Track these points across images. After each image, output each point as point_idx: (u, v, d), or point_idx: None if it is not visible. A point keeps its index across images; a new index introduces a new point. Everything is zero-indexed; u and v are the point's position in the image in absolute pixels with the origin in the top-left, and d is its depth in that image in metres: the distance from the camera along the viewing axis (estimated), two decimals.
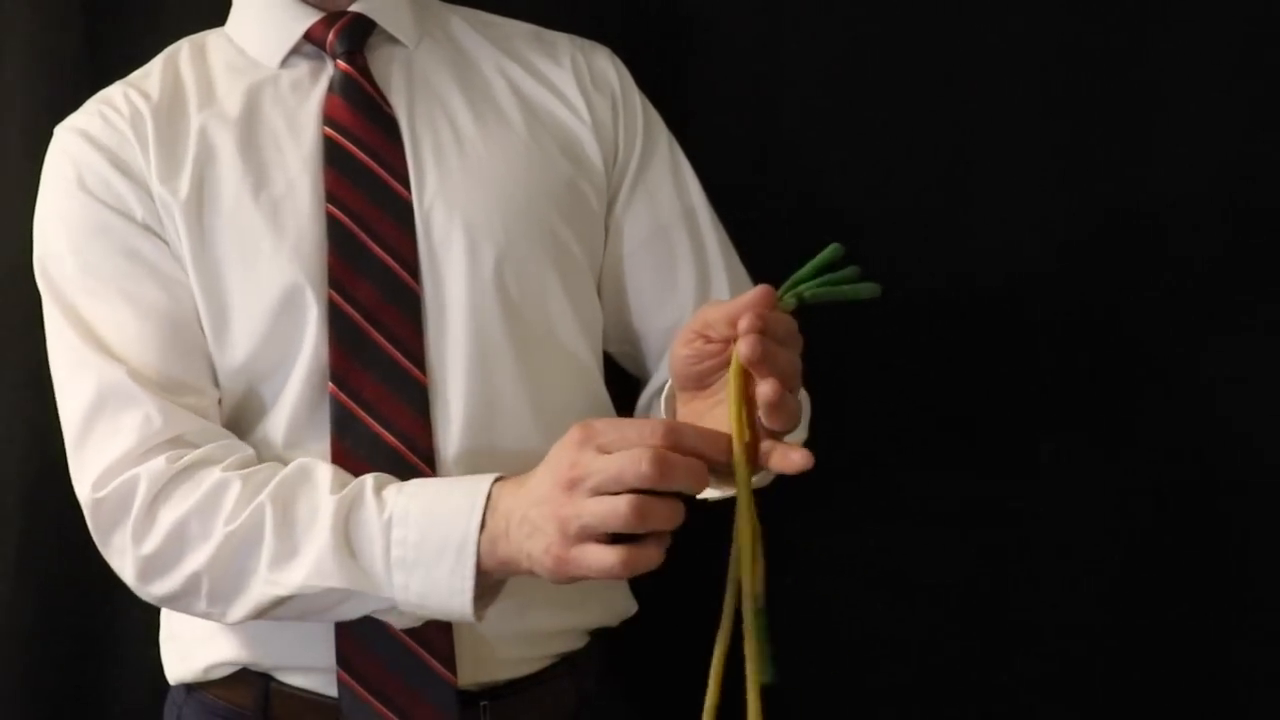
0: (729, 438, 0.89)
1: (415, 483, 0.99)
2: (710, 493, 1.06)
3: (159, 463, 1.01)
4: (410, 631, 1.05)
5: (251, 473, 1.01)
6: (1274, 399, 1.34)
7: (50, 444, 1.09)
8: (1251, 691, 1.36)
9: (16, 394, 1.38)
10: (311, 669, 1.08)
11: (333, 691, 1.07)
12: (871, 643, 1.40)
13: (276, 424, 1.08)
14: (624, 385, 1.24)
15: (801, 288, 0.92)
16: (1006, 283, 1.37)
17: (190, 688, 1.14)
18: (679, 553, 1.31)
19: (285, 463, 1.05)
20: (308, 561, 0.97)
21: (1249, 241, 1.33)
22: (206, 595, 1.01)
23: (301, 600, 0.98)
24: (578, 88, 1.20)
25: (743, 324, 0.87)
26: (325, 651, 1.06)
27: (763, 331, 0.87)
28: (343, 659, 1.06)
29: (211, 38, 1.20)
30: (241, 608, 1.00)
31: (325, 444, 1.06)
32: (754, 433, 0.90)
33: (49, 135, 1.15)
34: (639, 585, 1.22)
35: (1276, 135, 1.33)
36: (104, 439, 1.03)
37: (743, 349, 0.87)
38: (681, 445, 0.87)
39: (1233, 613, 1.35)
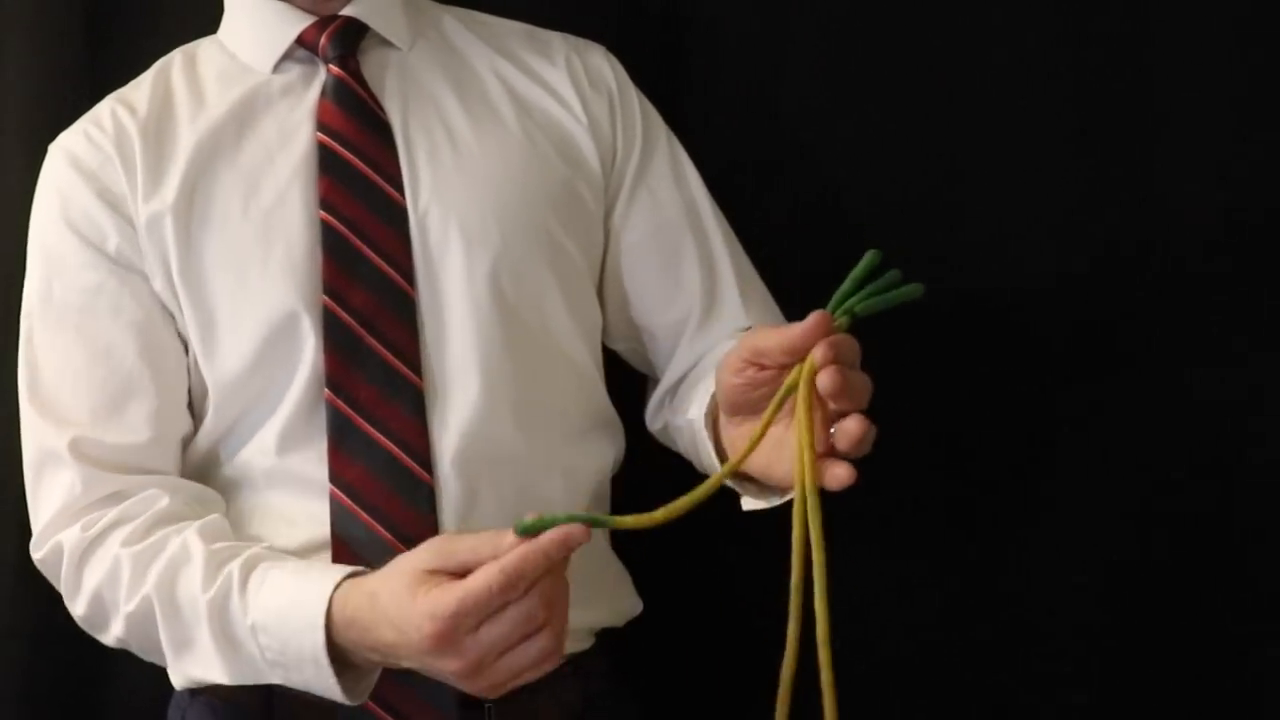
0: (563, 539, 0.91)
1: (272, 579, 1.00)
2: (754, 503, 1.07)
3: (75, 531, 1.06)
4: None
5: (140, 551, 1.04)
6: (1274, 399, 1.34)
7: None
8: (1251, 690, 1.36)
9: (17, 394, 1.39)
10: None
11: None
12: (871, 641, 1.41)
13: (272, 431, 1.09)
14: (626, 385, 1.25)
15: (850, 303, 0.93)
16: (1007, 282, 1.37)
17: (194, 691, 1.13)
18: (684, 554, 1.32)
19: (282, 471, 1.08)
20: (201, 657, 1.02)
21: (1249, 242, 1.33)
22: (142, 654, 1.08)
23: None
24: (573, 87, 1.20)
25: (818, 354, 0.89)
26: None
27: (836, 359, 0.89)
28: None
29: (204, 45, 1.20)
30: (177, 681, 1.06)
31: (322, 449, 1.07)
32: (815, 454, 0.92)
33: (49, 139, 1.17)
34: (644, 585, 1.23)
35: (1276, 136, 1.33)
36: (39, 501, 1.10)
37: (825, 384, 0.88)
38: (533, 572, 0.90)
39: (1233, 612, 1.35)
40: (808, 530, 0.91)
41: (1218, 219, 1.33)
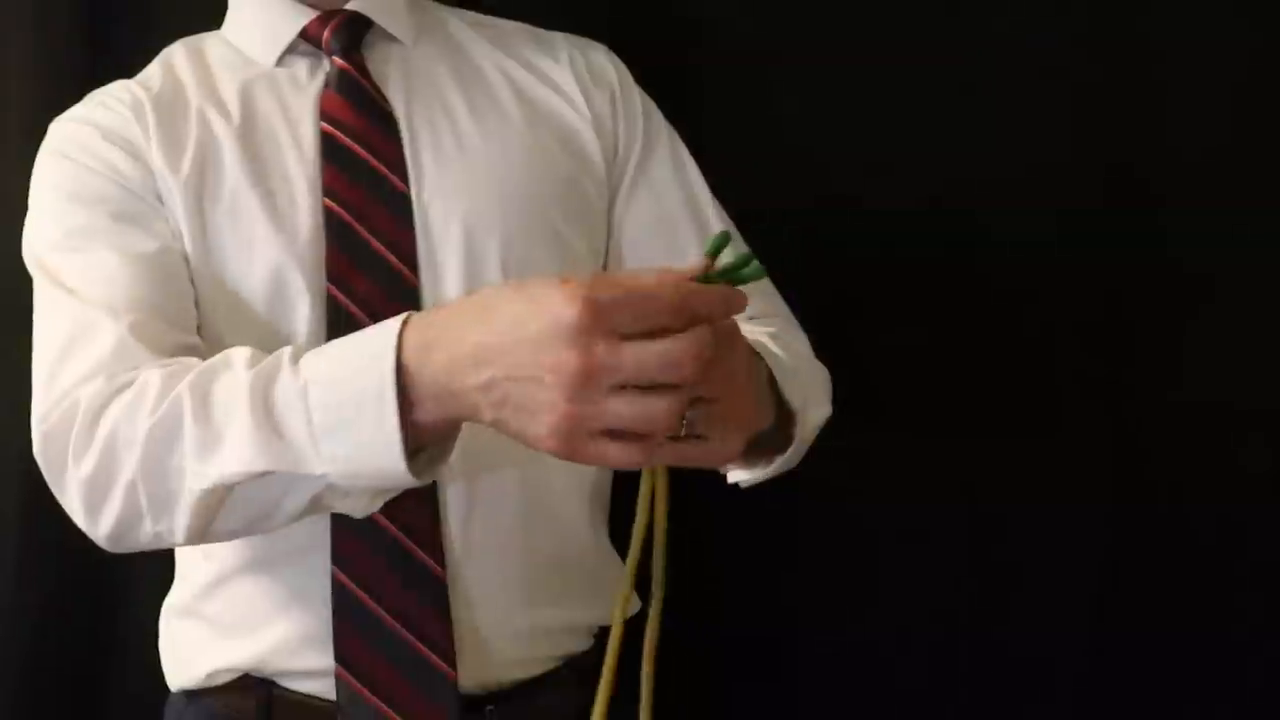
0: (737, 294, 0.82)
1: (334, 342, 0.90)
2: (740, 475, 1.07)
3: (98, 383, 0.97)
4: (409, 627, 1.05)
5: (174, 369, 0.95)
6: (1273, 396, 1.36)
7: None
8: (1247, 690, 1.37)
9: (17, 394, 1.38)
10: (313, 674, 1.08)
11: (334, 695, 1.07)
12: (872, 640, 1.42)
13: None
14: None
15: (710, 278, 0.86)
16: (1008, 279, 1.39)
17: (191, 694, 1.14)
18: (684, 555, 1.32)
19: None
20: (231, 446, 0.89)
21: (1248, 235, 1.35)
22: (148, 510, 0.94)
23: (237, 495, 0.91)
24: (576, 84, 1.21)
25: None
26: (326, 656, 1.07)
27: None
28: (340, 657, 1.06)
29: (208, 39, 1.21)
30: (183, 515, 0.92)
31: None
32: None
33: None
34: (642, 586, 1.23)
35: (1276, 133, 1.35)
36: (62, 375, 1.00)
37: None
38: (700, 310, 0.79)
39: (1233, 613, 1.37)
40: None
41: (1219, 209, 1.35)
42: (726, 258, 0.87)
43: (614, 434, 0.79)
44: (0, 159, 1.42)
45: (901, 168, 1.37)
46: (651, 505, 0.94)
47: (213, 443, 0.89)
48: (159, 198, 1.09)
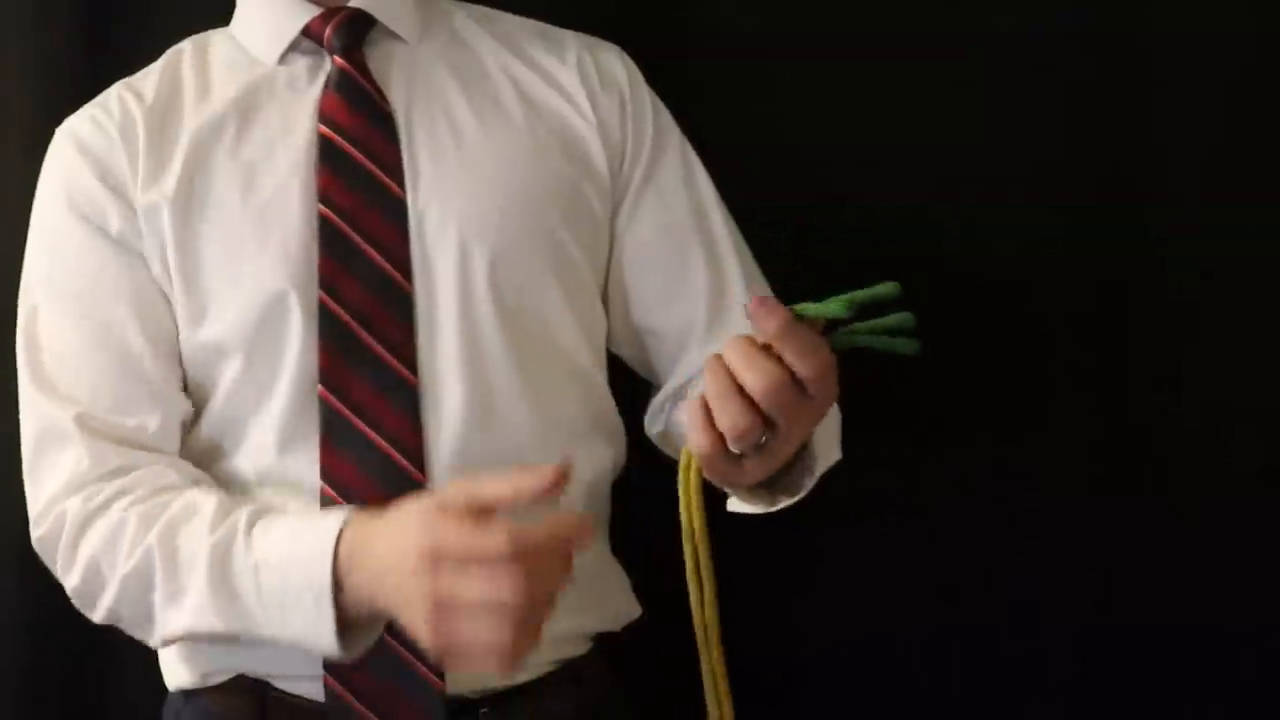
0: (575, 522, 0.91)
1: (281, 523, 1.01)
2: (740, 506, 1.08)
3: (78, 501, 1.06)
4: (398, 637, 1.05)
5: (146, 510, 1.04)
6: (1268, 392, 1.37)
7: None
8: (1242, 685, 1.38)
9: (16, 394, 1.40)
10: (308, 676, 1.08)
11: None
12: (871, 641, 1.43)
13: (267, 427, 1.09)
14: (628, 387, 1.26)
15: (858, 330, 0.92)
16: (1002, 276, 1.39)
17: (188, 694, 1.15)
18: (683, 558, 1.34)
19: (277, 469, 1.09)
20: (192, 605, 1.00)
21: (1242, 232, 1.36)
22: (129, 625, 1.07)
23: (201, 638, 1.04)
24: (583, 87, 1.20)
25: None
26: (318, 660, 1.07)
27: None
28: (329, 664, 1.07)
29: (215, 36, 1.21)
30: (159, 639, 1.05)
31: (316, 446, 1.08)
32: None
33: (49, 136, 1.18)
34: (642, 589, 1.24)
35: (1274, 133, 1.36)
36: (42, 479, 1.09)
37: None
38: (533, 548, 0.88)
39: (1229, 608, 1.38)
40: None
41: (1215, 211, 1.36)
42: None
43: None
44: (0, 160, 1.43)
45: (897, 165, 1.38)
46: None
47: (178, 596, 1.01)
48: (139, 234, 1.11)
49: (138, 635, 1.07)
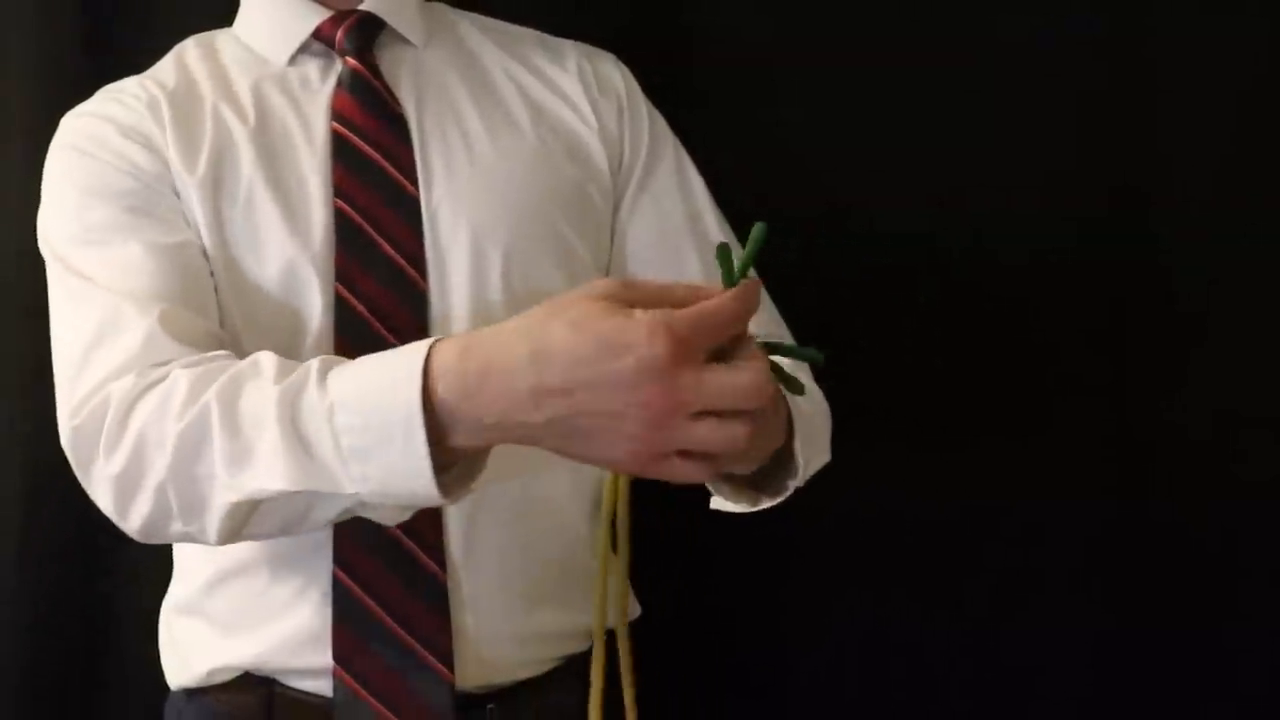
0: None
1: (359, 361, 0.92)
2: (728, 505, 1.09)
3: (128, 380, 0.98)
4: (406, 627, 1.07)
5: (202, 371, 0.96)
6: (1273, 399, 1.38)
7: (51, 444, 1.08)
8: (1254, 695, 1.39)
9: (17, 393, 1.41)
10: (314, 672, 1.09)
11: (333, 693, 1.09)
12: (880, 647, 1.44)
13: None
14: None
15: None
16: (1012, 284, 1.41)
17: (191, 692, 1.15)
18: (683, 557, 1.34)
19: None
20: (262, 463, 0.90)
21: (1252, 241, 1.37)
22: (178, 511, 0.96)
23: (268, 507, 0.93)
24: (584, 93, 1.22)
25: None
26: (327, 654, 1.08)
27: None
28: (340, 657, 1.08)
29: (219, 36, 1.22)
30: (214, 520, 0.94)
31: None
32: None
33: (49, 136, 1.17)
34: (642, 589, 1.24)
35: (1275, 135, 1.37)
36: (91, 368, 1.01)
37: None
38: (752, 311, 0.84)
39: (1236, 613, 1.39)
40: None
41: (1217, 214, 1.38)
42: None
43: (685, 453, 0.83)
44: (1, 159, 1.43)
45: (904, 173, 1.39)
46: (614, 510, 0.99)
47: (243, 457, 0.91)
48: (175, 192, 1.10)
49: (189, 528, 0.96)
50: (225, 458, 0.92)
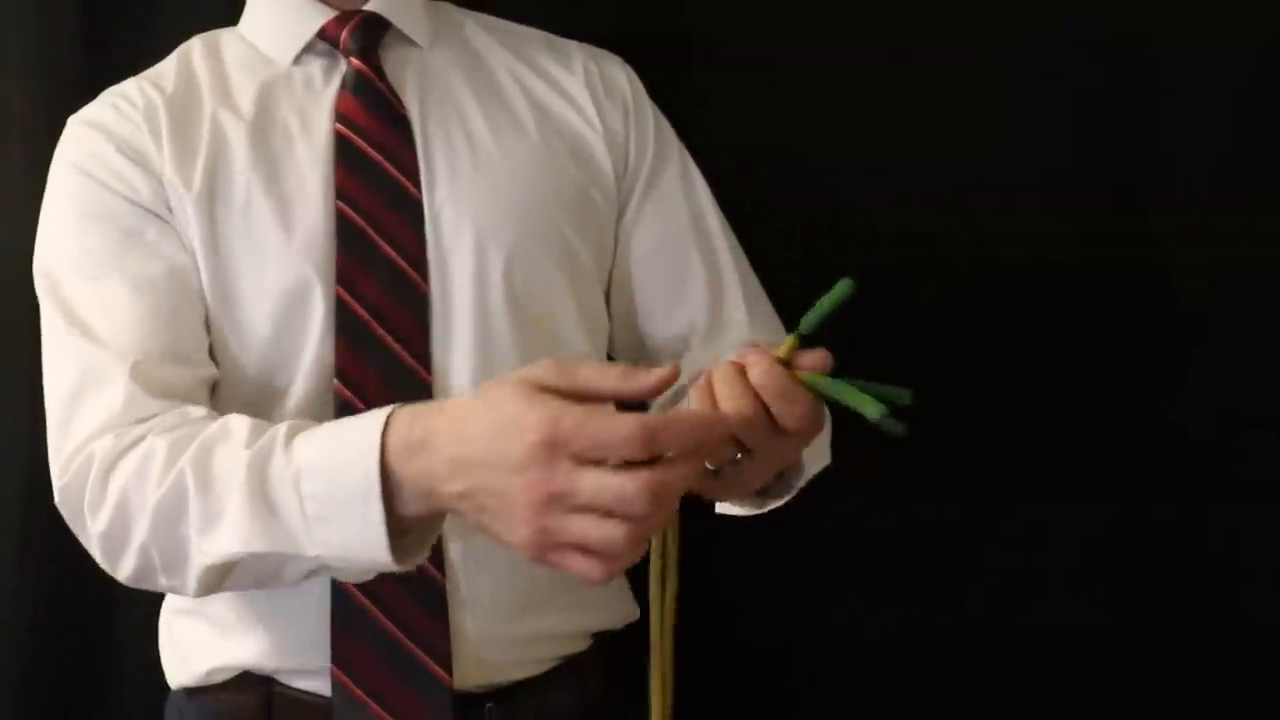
0: (717, 418, 0.88)
1: (323, 428, 0.96)
2: (728, 508, 1.10)
3: (108, 440, 1.02)
4: (405, 629, 1.08)
5: (178, 437, 1.00)
6: (1274, 399, 1.39)
7: None
8: (1255, 695, 1.40)
9: (17, 394, 1.41)
10: (313, 671, 1.10)
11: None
12: (881, 647, 1.44)
13: (284, 418, 1.09)
14: None
15: (828, 385, 0.91)
16: (1014, 284, 1.41)
17: (191, 692, 1.16)
18: (684, 555, 1.34)
19: None
20: (230, 527, 0.95)
21: (1253, 241, 1.38)
22: (161, 568, 1.00)
23: (240, 568, 0.97)
24: (589, 95, 1.23)
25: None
26: (326, 654, 1.09)
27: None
28: (338, 658, 1.09)
29: (225, 35, 1.23)
30: (194, 578, 0.99)
31: None
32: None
33: (49, 136, 1.18)
34: (641, 590, 1.25)
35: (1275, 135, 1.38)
36: (75, 423, 1.05)
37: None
38: (664, 446, 0.83)
39: (1237, 612, 1.40)
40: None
41: (1217, 216, 1.38)
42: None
43: (584, 548, 0.84)
44: (1, 159, 1.44)
45: (904, 174, 1.40)
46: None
47: (214, 519, 0.96)
48: (169, 208, 1.12)
49: (172, 582, 1.01)
50: (199, 522, 0.97)
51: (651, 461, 0.82)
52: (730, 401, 0.91)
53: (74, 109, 1.19)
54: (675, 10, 1.46)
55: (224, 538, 0.95)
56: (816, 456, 1.12)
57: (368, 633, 1.09)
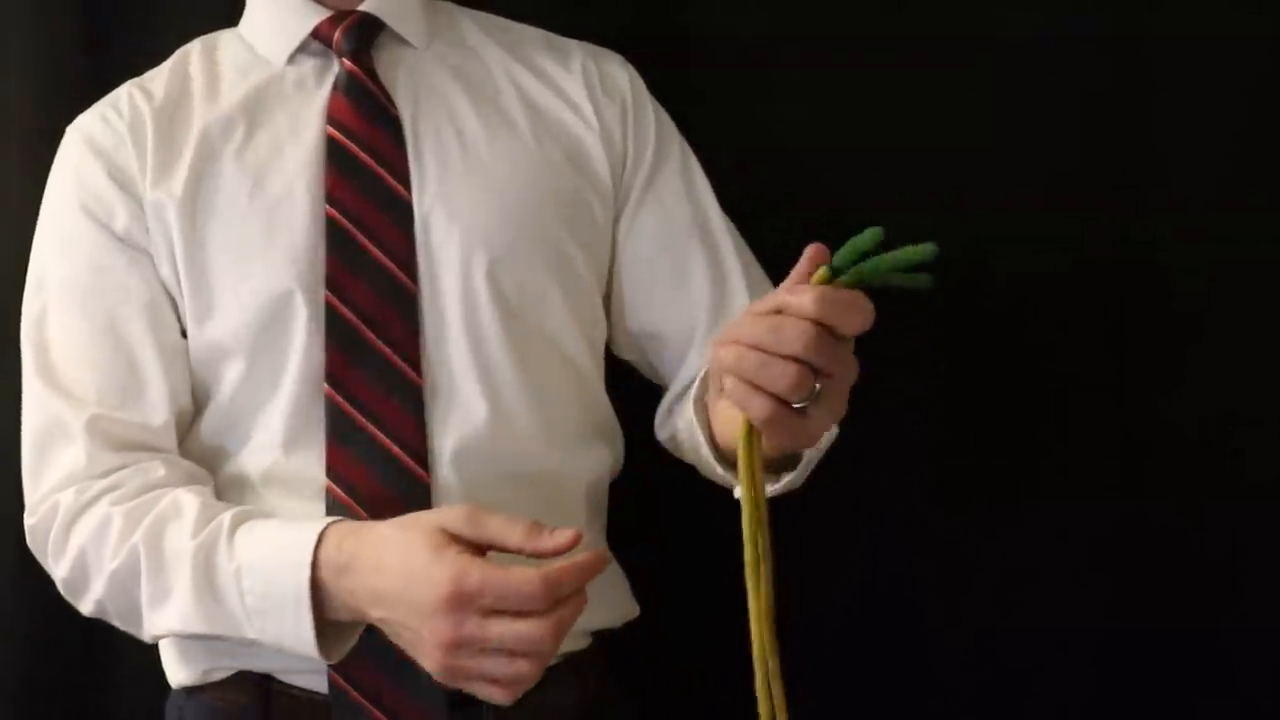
0: (602, 556, 0.95)
1: (263, 527, 1.04)
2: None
3: (70, 494, 1.10)
4: None
5: (133, 509, 1.07)
6: (1272, 398, 1.39)
7: None
8: (1256, 695, 1.41)
9: (17, 394, 1.41)
10: (312, 670, 1.11)
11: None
12: (878, 646, 1.45)
13: (273, 426, 1.12)
14: (627, 389, 1.29)
15: (865, 268, 0.88)
16: (1012, 289, 1.42)
17: (190, 690, 1.18)
18: (680, 557, 1.36)
19: (282, 469, 1.12)
20: (176, 606, 1.04)
21: (1253, 240, 1.38)
22: (117, 618, 1.10)
23: (191, 637, 1.08)
24: (587, 94, 1.23)
25: (807, 305, 0.85)
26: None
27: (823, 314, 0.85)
28: None
29: (224, 36, 1.24)
30: (148, 636, 1.09)
31: (321, 445, 1.11)
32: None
33: (49, 137, 1.20)
34: (640, 588, 1.27)
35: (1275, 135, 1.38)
36: (43, 472, 1.13)
37: (721, 355, 0.86)
38: (564, 593, 0.92)
39: (1239, 612, 1.40)
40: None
41: (1219, 219, 1.38)
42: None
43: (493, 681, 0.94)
44: (1, 159, 1.45)
45: (903, 174, 1.40)
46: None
47: (163, 597, 1.05)
48: (146, 230, 1.14)
49: (127, 629, 1.11)
50: (149, 597, 1.06)
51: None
52: (789, 340, 0.85)
53: (74, 109, 1.21)
54: (675, 10, 1.46)
55: (171, 616, 1.05)
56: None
57: (364, 632, 1.09)
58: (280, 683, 1.13)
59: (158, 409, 1.13)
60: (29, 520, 1.13)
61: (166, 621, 1.05)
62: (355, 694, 1.09)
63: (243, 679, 1.14)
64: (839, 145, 1.42)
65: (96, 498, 1.09)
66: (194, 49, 1.24)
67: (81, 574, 1.09)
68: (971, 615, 1.44)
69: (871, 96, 1.42)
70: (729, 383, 0.88)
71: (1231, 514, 1.40)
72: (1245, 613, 1.40)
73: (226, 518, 1.04)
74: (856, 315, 0.87)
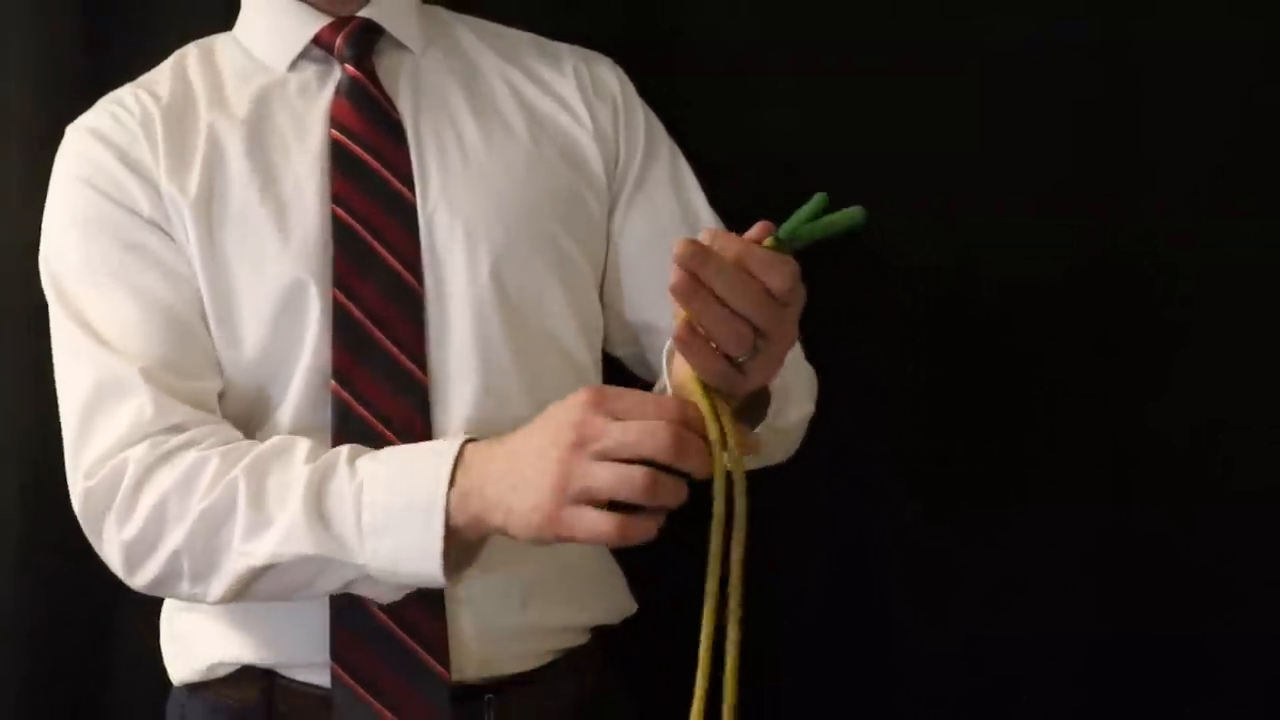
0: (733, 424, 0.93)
1: (389, 449, 1.04)
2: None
3: (143, 448, 1.07)
4: (403, 625, 1.11)
5: (230, 449, 1.06)
6: (1268, 411, 1.41)
7: (51, 444, 1.15)
8: (1245, 702, 1.43)
9: (17, 394, 1.44)
10: (313, 665, 1.13)
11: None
12: (869, 651, 1.47)
13: (281, 421, 1.14)
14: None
15: (800, 231, 0.93)
16: (1002, 291, 1.44)
17: (193, 687, 1.20)
18: (678, 554, 1.37)
19: None
20: (279, 530, 1.02)
21: (1244, 246, 1.40)
22: (188, 575, 1.06)
23: (277, 572, 1.03)
24: (580, 95, 1.27)
25: (676, 250, 0.89)
26: (325, 647, 1.12)
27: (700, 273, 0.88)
28: (336, 652, 1.12)
29: (220, 41, 1.27)
30: (220, 584, 1.05)
31: (328, 442, 1.12)
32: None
33: (49, 138, 1.21)
34: (638, 584, 1.29)
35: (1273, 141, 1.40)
36: (100, 430, 1.09)
37: (671, 279, 0.89)
38: (694, 425, 0.91)
39: (1230, 616, 1.43)
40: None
41: (1214, 223, 1.41)
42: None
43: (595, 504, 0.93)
44: (1, 159, 1.46)
45: (894, 179, 1.41)
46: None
47: (262, 526, 1.03)
48: (167, 217, 1.15)
49: (195, 590, 1.07)
50: (245, 528, 1.03)
51: None
52: (740, 298, 0.90)
53: (74, 109, 1.22)
54: (664, 14, 1.48)
55: (269, 541, 1.02)
56: (795, 400, 1.17)
57: (366, 628, 1.12)
58: (283, 678, 1.15)
59: (212, 378, 1.13)
60: (86, 484, 1.08)
61: (264, 547, 1.02)
62: (358, 688, 1.11)
63: (245, 675, 1.16)
64: (828, 151, 1.44)
65: (176, 450, 1.07)
66: (190, 53, 1.26)
67: (157, 528, 1.05)
68: (961, 621, 1.46)
69: (861, 102, 1.44)
70: (682, 340, 0.92)
71: (1220, 520, 1.42)
72: (1234, 619, 1.42)
73: (344, 448, 1.04)
74: (775, 273, 0.91)
